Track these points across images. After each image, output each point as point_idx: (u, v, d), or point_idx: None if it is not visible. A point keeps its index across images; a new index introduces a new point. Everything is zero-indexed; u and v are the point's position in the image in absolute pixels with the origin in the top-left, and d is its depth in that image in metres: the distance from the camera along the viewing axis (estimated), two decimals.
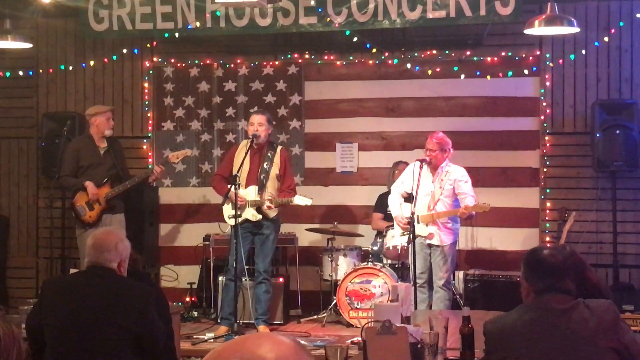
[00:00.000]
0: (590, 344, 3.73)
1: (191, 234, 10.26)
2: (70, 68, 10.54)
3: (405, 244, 8.31)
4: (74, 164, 8.94)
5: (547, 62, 9.53)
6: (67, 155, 9.08)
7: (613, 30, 9.33)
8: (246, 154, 8.33)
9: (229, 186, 8.20)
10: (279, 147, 8.68)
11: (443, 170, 8.29)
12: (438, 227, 8.26)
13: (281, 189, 8.47)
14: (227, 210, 8.32)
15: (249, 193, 8.37)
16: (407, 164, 8.90)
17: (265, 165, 8.43)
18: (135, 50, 10.42)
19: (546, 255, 3.97)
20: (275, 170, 8.44)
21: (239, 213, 8.26)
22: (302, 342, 7.69)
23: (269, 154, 8.47)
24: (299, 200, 8.35)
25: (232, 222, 8.26)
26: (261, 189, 8.38)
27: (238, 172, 8.19)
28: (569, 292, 3.88)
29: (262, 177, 8.41)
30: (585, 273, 4.12)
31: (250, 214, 8.37)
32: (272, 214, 8.43)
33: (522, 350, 3.80)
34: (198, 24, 9.54)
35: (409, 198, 8.43)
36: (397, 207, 8.47)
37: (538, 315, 3.85)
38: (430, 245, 8.28)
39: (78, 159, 8.94)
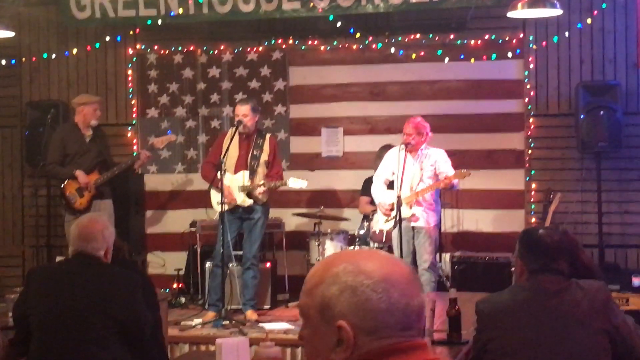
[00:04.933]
0: (582, 325, 3.76)
1: (177, 221, 10.25)
2: (53, 56, 10.49)
3: (389, 230, 8.36)
4: (60, 152, 8.98)
5: (531, 45, 9.55)
6: (52, 143, 9.12)
7: (596, 12, 9.35)
8: (231, 140, 8.32)
9: (217, 173, 8.18)
10: (268, 135, 8.68)
11: (422, 153, 8.34)
12: (422, 208, 8.28)
13: (269, 175, 8.46)
14: (216, 196, 8.30)
15: (239, 178, 8.36)
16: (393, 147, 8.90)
17: (255, 152, 8.43)
18: (118, 38, 10.37)
19: (542, 235, 4.00)
20: (264, 157, 8.44)
21: (227, 201, 8.26)
22: (291, 327, 7.71)
23: (259, 142, 8.47)
24: (294, 183, 8.34)
25: (220, 208, 8.25)
26: (252, 174, 8.37)
27: (223, 158, 8.17)
28: (562, 273, 3.91)
29: (252, 163, 8.40)
30: (578, 254, 4.16)
31: (240, 199, 8.36)
32: (263, 198, 8.43)
33: (513, 330, 3.82)
34: (181, 10, 9.52)
35: (391, 186, 8.47)
36: (379, 194, 8.51)
37: (531, 296, 3.88)
38: (413, 228, 8.30)
39: (64, 147, 8.98)
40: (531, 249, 3.98)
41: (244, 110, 8.37)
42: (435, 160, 8.31)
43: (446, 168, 8.29)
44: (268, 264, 9.17)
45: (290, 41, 10.11)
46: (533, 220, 9.39)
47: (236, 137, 8.39)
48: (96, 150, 9.01)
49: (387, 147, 9.10)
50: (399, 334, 1.90)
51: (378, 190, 8.55)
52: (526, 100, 9.57)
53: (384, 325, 1.89)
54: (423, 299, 1.96)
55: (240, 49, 10.20)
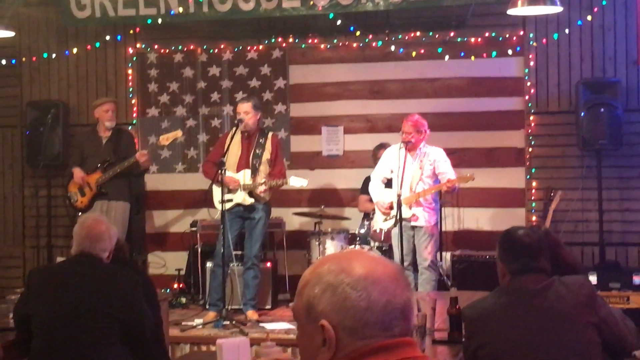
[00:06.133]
0: (569, 320, 3.75)
1: (178, 220, 10.26)
2: (54, 56, 10.48)
3: (388, 230, 8.37)
4: (79, 154, 9.21)
5: (531, 42, 9.53)
6: (74, 147, 9.46)
7: (596, 9, 9.34)
8: (232, 139, 8.32)
9: (218, 172, 8.17)
10: (270, 133, 8.68)
11: (421, 152, 8.34)
12: (422, 208, 8.28)
13: (271, 173, 8.46)
14: (218, 195, 8.29)
15: (240, 177, 8.36)
16: (389, 145, 8.89)
17: (257, 151, 8.42)
18: (119, 37, 10.36)
19: (521, 236, 3.99)
20: (267, 155, 8.43)
21: (231, 197, 8.26)
22: (292, 327, 7.70)
23: (261, 140, 8.47)
24: (294, 181, 8.33)
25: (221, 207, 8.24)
26: (254, 173, 8.37)
27: (224, 157, 8.17)
28: (544, 272, 3.90)
29: (254, 162, 8.39)
30: (559, 252, 4.15)
31: (242, 197, 8.36)
32: (265, 197, 8.42)
33: (502, 334, 3.81)
34: (181, 9, 9.52)
35: (389, 184, 8.46)
36: (377, 192, 8.50)
37: (515, 298, 3.87)
38: (413, 227, 8.30)
39: (82, 149, 9.15)
40: (511, 250, 3.98)
41: (245, 108, 8.36)
42: (435, 160, 8.30)
43: (446, 168, 8.28)
44: (269, 264, 9.16)
45: (290, 39, 10.10)
46: (534, 218, 9.38)
47: (238, 136, 8.40)
48: (109, 151, 9.05)
49: (382, 146, 9.10)
50: (381, 334, 1.90)
51: (376, 189, 8.54)
52: (526, 97, 9.55)
53: (364, 324, 1.89)
54: (408, 298, 1.95)
55: (240, 47, 10.20)
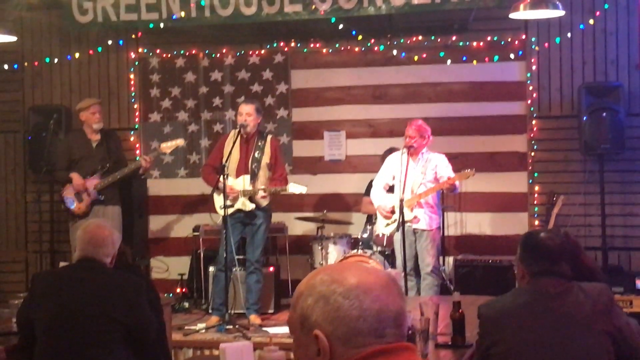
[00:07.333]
0: (585, 327, 3.75)
1: (181, 225, 10.26)
2: (56, 61, 10.49)
3: (390, 234, 8.37)
4: (67, 158, 9.02)
5: (533, 46, 9.53)
6: (60, 150, 9.20)
7: (598, 13, 9.34)
8: (234, 143, 8.31)
9: (219, 177, 8.16)
10: (269, 136, 8.66)
11: (423, 157, 8.34)
12: (424, 211, 8.28)
13: (272, 177, 8.44)
14: (219, 200, 8.28)
15: (240, 183, 8.35)
16: (398, 150, 8.90)
17: (256, 155, 8.39)
18: (120, 42, 10.37)
19: (543, 239, 3.99)
20: (266, 159, 8.42)
21: (231, 203, 8.25)
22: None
23: (259, 144, 8.44)
24: (294, 188, 8.31)
25: (223, 212, 8.24)
26: (253, 178, 8.35)
27: (226, 162, 8.17)
28: (564, 276, 3.90)
29: (253, 166, 8.38)
30: (580, 256, 4.15)
31: (242, 203, 8.35)
32: (264, 202, 8.41)
33: (516, 334, 3.81)
34: (183, 14, 9.52)
35: (391, 190, 8.46)
36: (379, 197, 8.50)
37: (533, 299, 3.87)
38: (415, 232, 8.29)
39: (70, 152, 8.99)
40: (533, 252, 3.97)
41: (247, 109, 8.35)
42: (436, 165, 8.32)
43: (447, 172, 8.28)
44: (271, 268, 9.16)
45: (292, 44, 10.10)
46: (536, 222, 9.37)
47: (238, 140, 8.37)
48: (102, 154, 9.00)
49: (391, 151, 9.09)
50: (373, 341, 1.91)
51: (378, 194, 8.54)
52: (529, 102, 9.55)
53: (356, 333, 1.91)
54: (401, 305, 1.97)
55: (242, 52, 10.20)
